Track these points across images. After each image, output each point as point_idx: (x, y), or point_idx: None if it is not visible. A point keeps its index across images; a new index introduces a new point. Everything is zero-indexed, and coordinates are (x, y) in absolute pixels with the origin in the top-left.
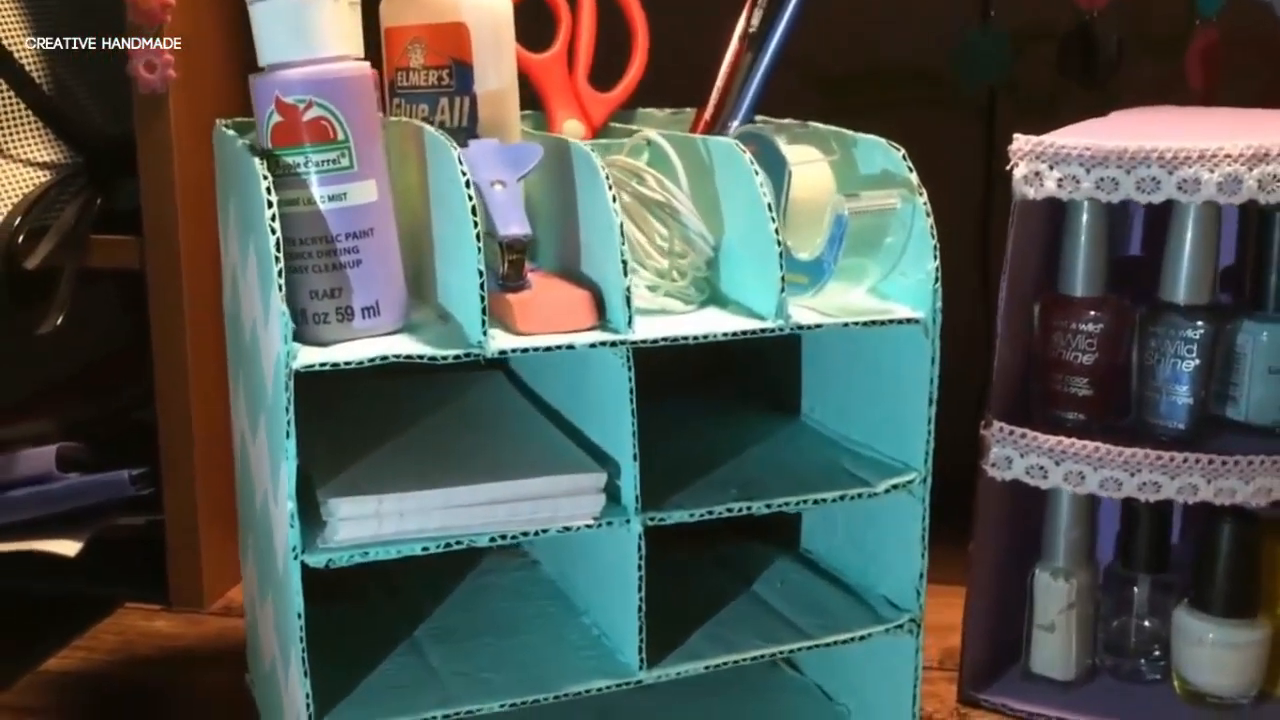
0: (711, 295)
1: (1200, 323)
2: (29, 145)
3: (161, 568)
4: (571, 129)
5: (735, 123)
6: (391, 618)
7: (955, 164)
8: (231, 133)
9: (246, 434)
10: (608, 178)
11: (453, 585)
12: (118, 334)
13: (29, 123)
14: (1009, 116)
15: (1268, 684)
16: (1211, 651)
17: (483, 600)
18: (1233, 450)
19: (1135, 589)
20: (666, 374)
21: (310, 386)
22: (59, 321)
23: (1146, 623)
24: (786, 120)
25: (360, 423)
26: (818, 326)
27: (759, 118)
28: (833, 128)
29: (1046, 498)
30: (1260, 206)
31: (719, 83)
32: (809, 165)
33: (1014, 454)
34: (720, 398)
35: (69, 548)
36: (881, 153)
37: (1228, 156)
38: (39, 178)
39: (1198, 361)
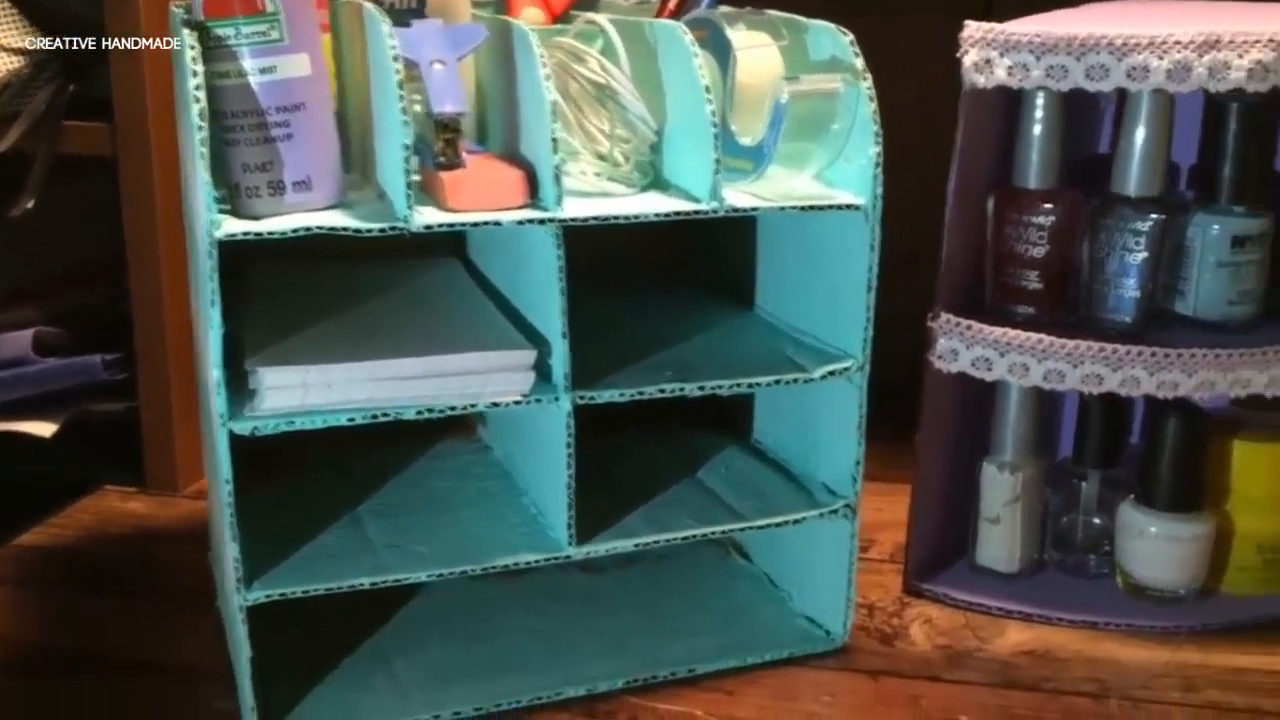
0: (655, 179)
1: (1150, 215)
2: (1, 31)
3: (139, 452)
4: (530, 15)
5: (698, 11)
6: (338, 494)
7: (953, 63)
8: (179, 10)
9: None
10: (542, 57)
11: (403, 466)
12: (110, 232)
13: (1, 8)
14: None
15: (1210, 578)
16: (1153, 545)
17: (429, 480)
18: (1176, 343)
19: (1084, 485)
20: (629, 263)
21: (266, 269)
22: (30, 205)
23: (1096, 519)
24: (745, 9)
25: (307, 303)
26: (753, 210)
27: (723, 7)
28: (786, 15)
29: (995, 390)
30: (1217, 99)
31: None
32: (755, 50)
33: (960, 346)
34: (679, 289)
35: (44, 429)
36: (830, 38)
37: (1177, 43)
38: (10, 64)
39: (1145, 254)
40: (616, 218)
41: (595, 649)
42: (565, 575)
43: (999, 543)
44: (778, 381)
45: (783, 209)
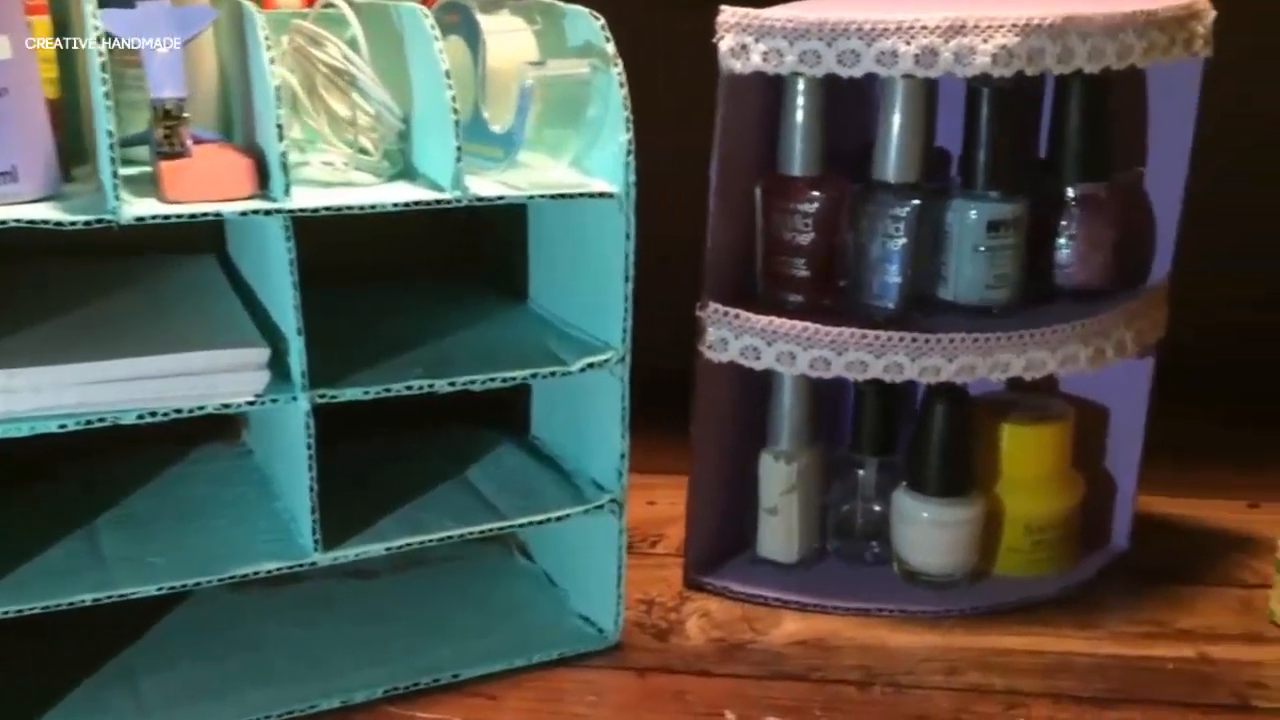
0: (406, 169)
1: (907, 201)
2: None
3: None
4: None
5: None
6: (79, 506)
7: None
8: None
9: None
10: (268, 40)
11: (156, 473)
12: None
13: None
14: None
15: (982, 561)
16: (925, 530)
17: (183, 487)
18: (938, 329)
19: (862, 472)
20: (407, 260)
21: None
22: None
23: (876, 506)
24: None
25: (34, 303)
26: (499, 199)
27: None
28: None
29: (770, 380)
30: (971, 84)
31: None
32: (506, 35)
33: (729, 335)
34: (455, 284)
35: None
36: (585, 23)
37: (924, 28)
38: None
39: (905, 240)
40: (350, 207)
41: (356, 658)
42: (338, 583)
43: (778, 533)
44: (534, 375)
45: (531, 197)
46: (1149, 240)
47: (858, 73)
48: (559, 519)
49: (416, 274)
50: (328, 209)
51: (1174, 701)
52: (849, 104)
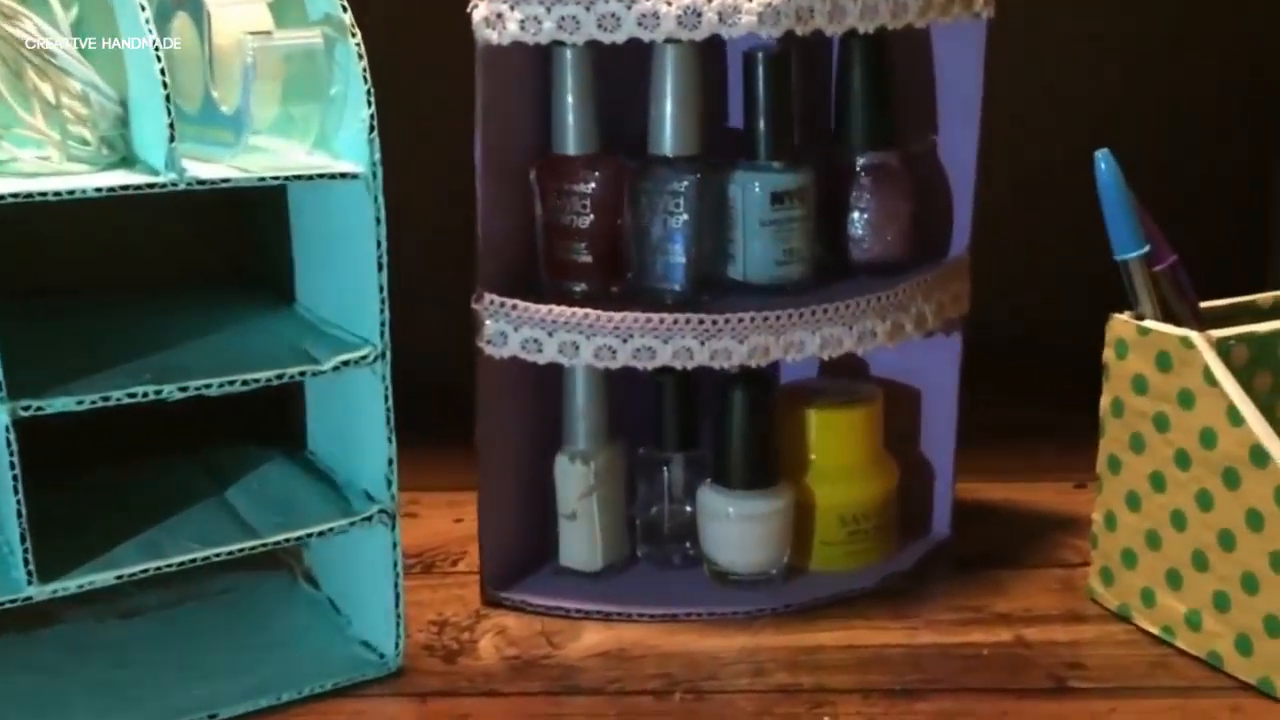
0: (129, 156)
1: (684, 175)
2: None
3: None
4: None
5: None
6: None
7: None
8: None
9: None
10: None
11: None
12: None
13: None
14: None
15: (798, 557)
16: (732, 527)
17: None
18: (727, 309)
19: (667, 470)
20: (158, 266)
21: None
22: None
23: (686, 506)
24: None
25: None
26: (223, 182)
27: None
28: None
29: (562, 375)
30: (747, 51)
31: None
32: (234, 7)
33: (508, 328)
34: (216, 289)
35: None
36: None
37: None
38: None
39: (686, 217)
40: (45, 194)
41: (95, 705)
42: (97, 623)
43: (579, 540)
44: (280, 377)
45: (262, 180)
46: (947, 211)
47: (620, 38)
48: (321, 534)
49: (177, 280)
50: (13, 196)
51: (988, 688)
52: (641, 76)
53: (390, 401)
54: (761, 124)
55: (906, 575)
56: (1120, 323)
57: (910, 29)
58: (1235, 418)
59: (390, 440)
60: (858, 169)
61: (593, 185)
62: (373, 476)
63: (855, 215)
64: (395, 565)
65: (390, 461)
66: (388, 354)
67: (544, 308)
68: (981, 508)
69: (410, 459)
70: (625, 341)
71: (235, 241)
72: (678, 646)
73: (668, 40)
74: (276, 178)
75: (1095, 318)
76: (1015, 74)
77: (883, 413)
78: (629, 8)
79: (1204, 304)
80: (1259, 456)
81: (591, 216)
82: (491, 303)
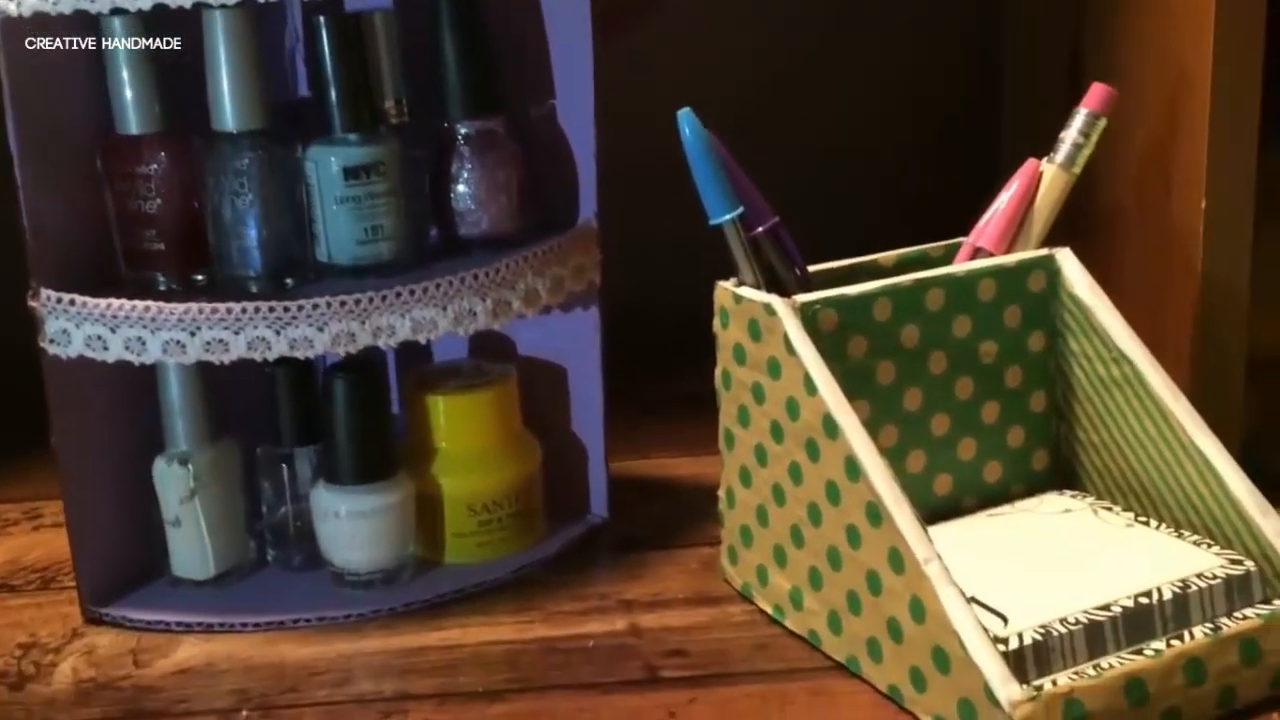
0: None
1: (247, 152)
2: None
3: None
4: None
5: None
6: None
7: None
8: None
9: None
10: None
11: None
12: None
13: None
14: None
15: (430, 551)
16: (345, 525)
17: None
18: (303, 295)
19: (286, 468)
20: None
21: None
22: None
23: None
24: None
25: None
26: None
27: None
28: None
29: (156, 372)
30: (309, 14)
31: None
32: None
33: (70, 325)
34: None
35: None
36: None
37: None
38: None
39: (253, 196)
40: None
41: None
42: None
43: (187, 547)
44: None
45: None
46: (570, 180)
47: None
48: None
49: None
50: None
51: (577, 684)
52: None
53: None
54: (332, 93)
55: (545, 564)
56: (722, 290)
57: None
58: (811, 387)
59: None
60: (459, 138)
61: (155, 167)
62: None
63: (460, 188)
64: None
65: None
66: None
67: (103, 302)
68: (642, 487)
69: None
70: (194, 335)
71: None
72: (272, 657)
73: (220, 6)
74: None
75: None
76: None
77: (516, 393)
78: None
79: (826, 265)
80: (831, 427)
81: (160, 200)
82: (49, 299)
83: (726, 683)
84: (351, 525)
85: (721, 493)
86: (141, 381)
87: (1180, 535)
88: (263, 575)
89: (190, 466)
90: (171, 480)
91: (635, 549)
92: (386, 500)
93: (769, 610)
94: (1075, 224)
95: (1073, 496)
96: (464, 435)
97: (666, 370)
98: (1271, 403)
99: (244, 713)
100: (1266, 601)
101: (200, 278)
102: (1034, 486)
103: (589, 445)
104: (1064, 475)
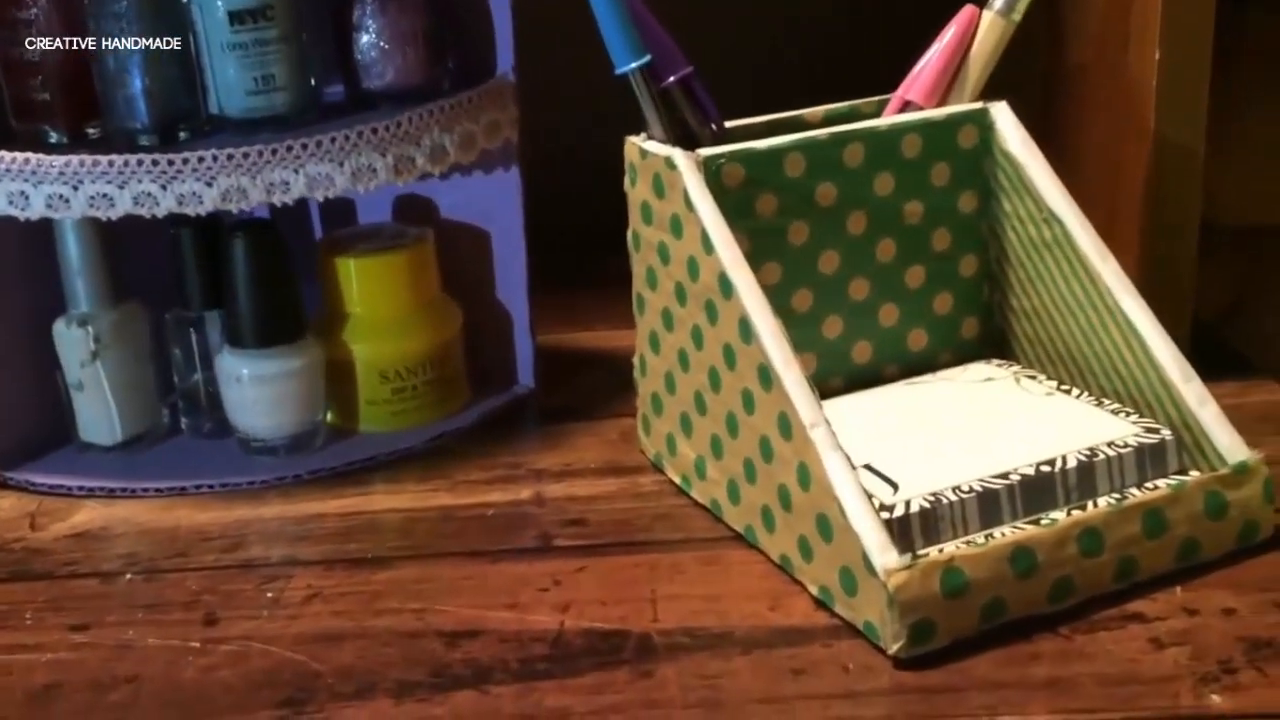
0: None
1: None
2: None
3: None
4: None
5: None
6: None
7: None
8: None
9: None
10: None
11: None
12: None
13: None
14: None
15: (346, 418)
16: (249, 390)
17: None
18: (188, 149)
19: (194, 331)
20: None
21: None
22: None
23: None
24: None
25: None
26: None
27: None
28: None
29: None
30: None
31: None
32: None
33: None
34: None
35: None
36: None
37: None
38: None
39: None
40: None
41: None
42: None
43: (92, 411)
44: None
45: None
46: (483, 32)
47: None
48: None
49: None
50: None
51: (466, 551)
52: None
53: None
54: None
55: (466, 433)
56: (630, 145)
57: None
58: (709, 245)
59: None
60: None
61: (35, 11)
62: None
63: (363, 38)
64: None
65: None
66: None
67: None
68: (576, 359)
69: None
70: (77, 189)
71: None
72: (169, 522)
73: None
74: None
75: None
76: None
77: (433, 258)
78: None
79: (745, 121)
80: (726, 286)
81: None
82: None
83: (619, 552)
84: (255, 390)
85: (635, 360)
86: (41, 244)
87: (1100, 404)
88: (174, 443)
89: (90, 328)
90: (72, 342)
91: (558, 420)
92: (290, 365)
93: (677, 480)
94: (1045, 89)
95: (998, 365)
96: (376, 299)
97: (608, 239)
98: (1240, 274)
99: (128, 576)
100: (1182, 472)
101: (92, 131)
102: (963, 355)
103: (514, 313)
104: (995, 343)
